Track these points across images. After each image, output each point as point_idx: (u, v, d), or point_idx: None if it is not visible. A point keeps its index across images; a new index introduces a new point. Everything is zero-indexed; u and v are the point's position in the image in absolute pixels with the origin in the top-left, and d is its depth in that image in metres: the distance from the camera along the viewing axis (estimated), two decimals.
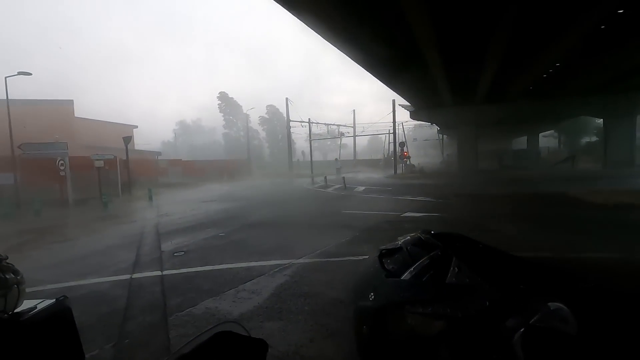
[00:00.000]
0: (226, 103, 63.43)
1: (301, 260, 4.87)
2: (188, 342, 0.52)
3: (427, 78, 19.70)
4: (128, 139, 17.70)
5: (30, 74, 14.96)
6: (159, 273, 4.62)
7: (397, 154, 30.49)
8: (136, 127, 32.72)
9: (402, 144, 30.27)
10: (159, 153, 32.38)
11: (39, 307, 0.66)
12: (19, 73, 14.66)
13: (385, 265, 0.50)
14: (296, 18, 12.33)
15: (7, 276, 0.62)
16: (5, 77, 14.68)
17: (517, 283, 0.39)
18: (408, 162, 31.67)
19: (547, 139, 48.32)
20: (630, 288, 3.56)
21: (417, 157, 42.34)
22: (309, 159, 36.90)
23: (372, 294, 0.47)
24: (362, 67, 19.06)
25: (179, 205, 12.89)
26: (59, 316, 0.61)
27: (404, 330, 0.41)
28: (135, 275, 4.57)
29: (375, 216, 8.47)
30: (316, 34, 13.83)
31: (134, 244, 6.40)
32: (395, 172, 29.52)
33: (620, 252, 4.70)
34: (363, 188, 16.67)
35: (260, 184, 23.01)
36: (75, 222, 10.23)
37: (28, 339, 0.61)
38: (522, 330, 0.34)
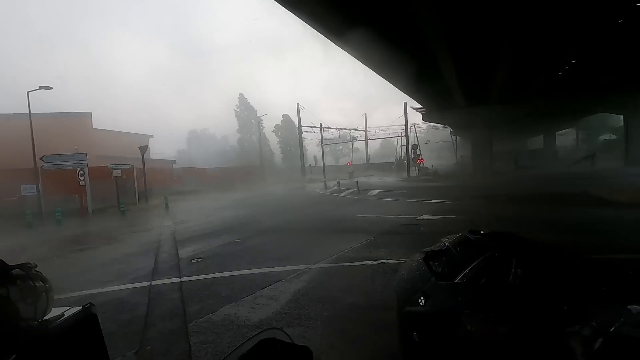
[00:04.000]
0: (244, 107, 64.25)
1: (317, 266, 4.85)
2: (234, 350, 0.51)
3: (440, 81, 19.57)
4: (144, 148, 18.10)
5: (51, 88, 15.50)
6: (177, 280, 4.67)
7: (410, 157, 30.23)
8: (151, 136, 33.44)
9: (415, 147, 30.01)
10: (173, 161, 32.96)
11: (67, 314, 0.67)
12: (40, 87, 15.19)
13: (434, 268, 0.48)
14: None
15: (37, 284, 0.64)
16: (28, 92, 15.23)
17: (593, 285, 0.37)
18: (421, 165, 31.34)
19: (564, 137, 47.15)
20: None
21: (431, 160, 41.91)
22: (322, 164, 36.97)
23: (422, 298, 0.45)
24: (380, 74, 19.11)
25: (194, 212, 13.06)
26: (86, 323, 0.62)
27: (462, 337, 0.39)
28: (154, 282, 4.63)
29: (390, 220, 8.39)
30: (324, 38, 13.93)
31: (152, 252, 6.50)
32: (409, 175, 29.29)
33: None
34: (377, 192, 16.57)
35: (274, 190, 23.14)
36: (95, 230, 10.47)
37: (57, 346, 0.62)
38: (600, 340, 0.31)
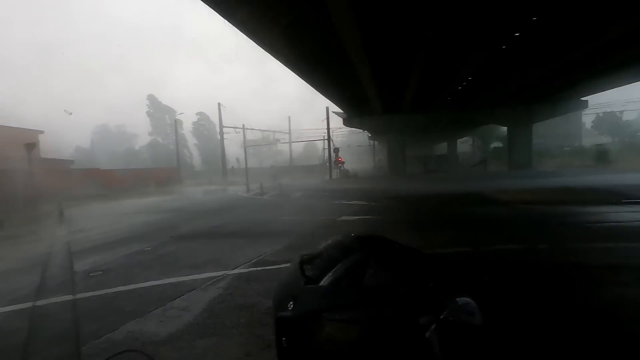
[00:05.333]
0: (155, 108, 59.24)
1: (236, 271, 4.68)
2: None
3: (359, 89, 20.68)
4: (31, 146, 15.49)
5: None
6: (70, 297, 4.06)
7: (332, 160, 31.30)
8: (42, 132, 28.76)
9: (337, 150, 31.17)
10: (71, 162, 28.86)
11: None
12: None
13: (306, 272, 0.48)
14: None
15: None
16: None
17: (429, 281, 0.41)
18: (342, 168, 32.67)
19: (464, 145, 53.77)
20: (532, 277, 4.08)
21: (351, 163, 43.91)
22: (244, 166, 36.00)
23: (291, 303, 0.45)
24: (298, 74, 19.30)
25: (97, 219, 11.59)
26: None
27: (323, 340, 0.39)
28: (39, 302, 3.95)
29: (311, 222, 8.53)
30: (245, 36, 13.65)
31: (38, 266, 5.55)
32: (331, 177, 30.27)
33: (524, 243, 5.37)
34: (299, 194, 16.75)
35: (192, 194, 21.80)
36: None
37: None
38: (434, 326, 0.35)
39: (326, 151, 34.57)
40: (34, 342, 3.01)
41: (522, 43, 14.25)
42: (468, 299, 0.40)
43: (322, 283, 0.47)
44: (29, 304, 3.90)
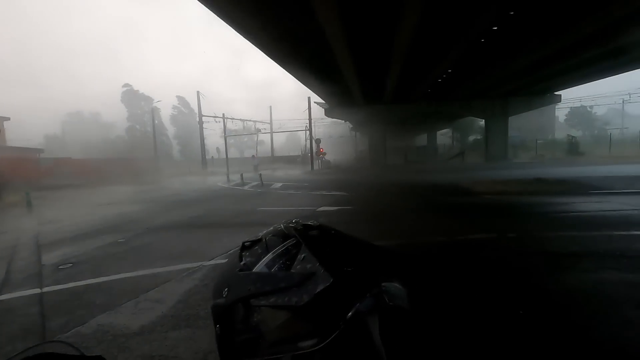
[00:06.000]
0: (132, 95, 57.14)
1: (213, 262, 4.63)
2: None
3: (340, 79, 20.57)
4: None
5: None
6: (37, 291, 3.92)
7: (314, 151, 31.23)
8: (8, 118, 27.37)
9: (318, 141, 31.10)
10: (40, 150, 27.62)
11: None
12: None
13: (243, 259, 0.48)
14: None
15: None
16: None
17: (358, 266, 0.41)
18: (324, 159, 32.69)
19: (444, 136, 54.84)
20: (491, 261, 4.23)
21: (333, 153, 44.00)
22: (225, 156, 35.46)
23: (225, 289, 0.46)
24: (279, 64, 19.01)
25: (67, 210, 11.17)
26: None
27: (252, 326, 0.40)
28: (3, 297, 3.80)
29: (291, 212, 8.53)
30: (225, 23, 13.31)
31: (3, 260, 5.32)
32: (312, 168, 30.24)
33: (496, 232, 5.55)
34: (280, 185, 16.67)
35: (170, 184, 21.32)
36: None
37: None
38: (363, 309, 0.35)
39: (308, 141, 34.46)
40: None
41: (500, 37, 14.53)
42: (397, 284, 0.41)
43: (255, 269, 0.47)
44: None
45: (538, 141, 36.10)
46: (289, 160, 44.06)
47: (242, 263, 0.50)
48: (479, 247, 4.82)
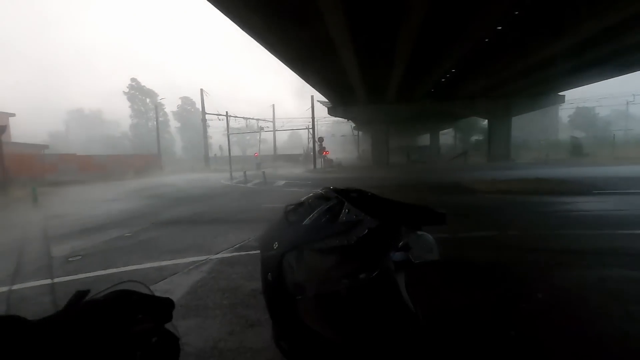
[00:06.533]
0: (137, 91, 57.34)
1: (219, 256, 4.70)
2: (87, 300, 0.48)
3: (344, 78, 20.61)
4: (2, 129, 14.82)
5: None
6: (48, 281, 4.00)
7: (316, 149, 31.30)
8: (13, 115, 27.55)
9: (321, 139, 31.16)
10: (45, 146, 27.80)
11: None
12: None
13: (289, 218, 0.55)
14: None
15: None
16: None
17: (393, 217, 0.48)
18: (326, 157, 32.77)
19: (446, 136, 54.76)
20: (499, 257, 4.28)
21: (335, 152, 44.04)
22: (227, 154, 35.58)
23: (276, 243, 0.52)
24: (283, 62, 19.07)
25: (73, 205, 11.29)
26: None
27: (303, 270, 0.46)
28: (16, 287, 3.88)
29: None
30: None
31: (14, 251, 5.41)
32: (315, 166, 30.32)
33: (497, 230, 5.60)
34: (283, 182, 16.75)
35: (173, 181, 21.44)
36: None
37: None
38: (403, 259, 0.42)
39: (311, 140, 34.51)
40: None
41: (504, 37, 14.53)
42: (427, 234, 0.47)
43: (303, 224, 0.53)
44: (4, 289, 3.83)
45: (541, 142, 36.03)
46: (292, 158, 44.14)
47: (290, 221, 0.56)
48: (481, 244, 4.87)
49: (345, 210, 0.51)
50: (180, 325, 2.84)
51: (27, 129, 40.69)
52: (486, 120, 31.74)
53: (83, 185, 19.12)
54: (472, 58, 17.56)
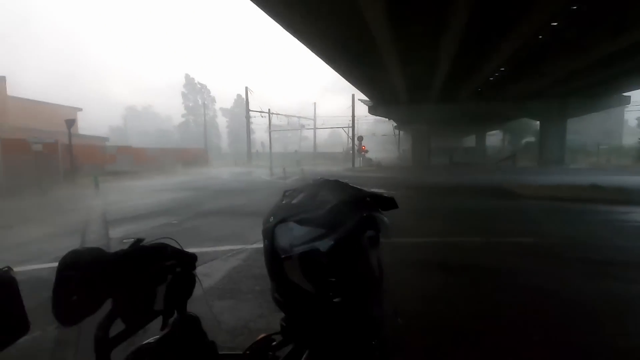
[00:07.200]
0: (191, 88, 60.97)
1: (254, 246, 5.00)
2: (141, 246, 0.68)
3: (385, 76, 20.38)
4: (71, 122, 16.46)
5: None
6: None
7: (356, 148, 31.26)
8: (80, 109, 30.40)
9: (361, 138, 31.07)
10: (106, 139, 30.42)
11: None
12: None
13: (284, 199, 0.76)
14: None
15: None
16: None
17: (355, 200, 0.64)
18: (366, 156, 32.61)
19: (494, 138, 52.03)
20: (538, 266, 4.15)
21: (375, 152, 43.66)
22: (269, 151, 36.66)
23: (272, 217, 0.70)
24: (326, 62, 19.31)
25: (128, 193, 12.36)
26: (3, 286, 0.61)
27: (287, 236, 0.64)
28: None
29: None
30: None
31: (79, 232, 6.13)
32: (354, 165, 30.31)
33: (533, 237, 5.39)
34: None
35: (217, 174, 22.57)
36: (10, 209, 9.46)
37: None
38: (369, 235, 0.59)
39: (350, 139, 34.56)
40: None
41: (559, 33, 13.59)
42: (384, 217, 0.62)
43: (293, 202, 0.71)
44: None
45: (601, 147, 33.09)
46: (331, 156, 44.44)
47: (283, 202, 0.74)
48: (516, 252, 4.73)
49: (322, 193, 0.68)
50: (216, 305, 3.14)
51: (91, 123, 44.71)
52: (538, 122, 29.74)
53: (137, 176, 20.77)
54: (524, 55, 16.56)
